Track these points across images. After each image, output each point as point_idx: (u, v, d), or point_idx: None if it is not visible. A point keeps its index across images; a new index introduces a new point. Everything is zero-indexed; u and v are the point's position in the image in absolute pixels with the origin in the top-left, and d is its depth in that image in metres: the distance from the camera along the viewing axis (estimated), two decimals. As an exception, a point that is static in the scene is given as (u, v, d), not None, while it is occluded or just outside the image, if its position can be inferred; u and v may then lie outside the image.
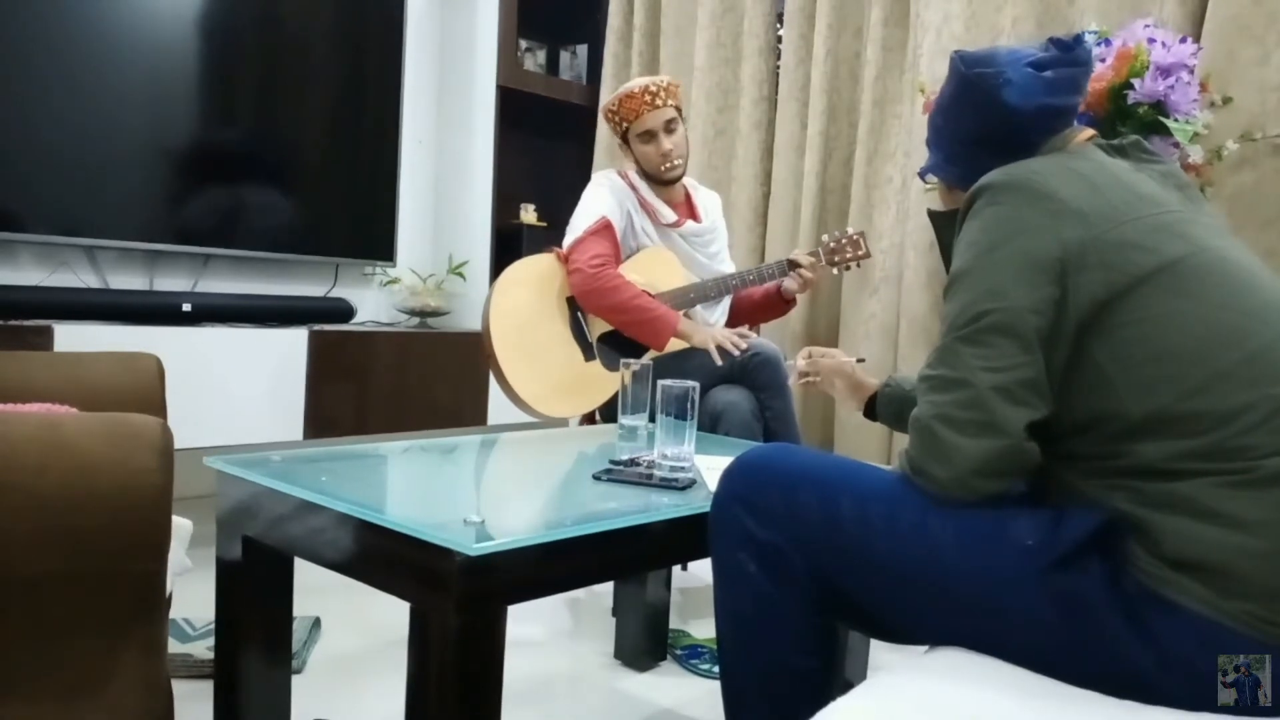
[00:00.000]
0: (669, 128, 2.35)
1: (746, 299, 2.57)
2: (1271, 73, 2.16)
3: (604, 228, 2.34)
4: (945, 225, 1.23)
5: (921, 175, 1.37)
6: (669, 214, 2.42)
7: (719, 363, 2.24)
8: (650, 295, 2.31)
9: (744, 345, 2.25)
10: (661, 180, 2.40)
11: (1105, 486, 0.99)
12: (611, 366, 2.30)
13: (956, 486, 1.02)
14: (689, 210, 2.50)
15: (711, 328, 2.35)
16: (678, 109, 2.38)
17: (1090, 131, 1.18)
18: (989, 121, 1.16)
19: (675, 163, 2.37)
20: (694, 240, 2.46)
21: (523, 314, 2.30)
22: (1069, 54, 1.16)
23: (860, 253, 2.48)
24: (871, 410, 1.53)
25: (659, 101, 2.33)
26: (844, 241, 2.46)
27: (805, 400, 3.00)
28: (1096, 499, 0.99)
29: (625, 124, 2.37)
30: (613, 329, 2.36)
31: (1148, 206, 1.03)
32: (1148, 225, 1.01)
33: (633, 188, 2.42)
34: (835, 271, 2.49)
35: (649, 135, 2.35)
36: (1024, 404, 1.00)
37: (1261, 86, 2.17)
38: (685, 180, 2.50)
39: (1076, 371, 1.00)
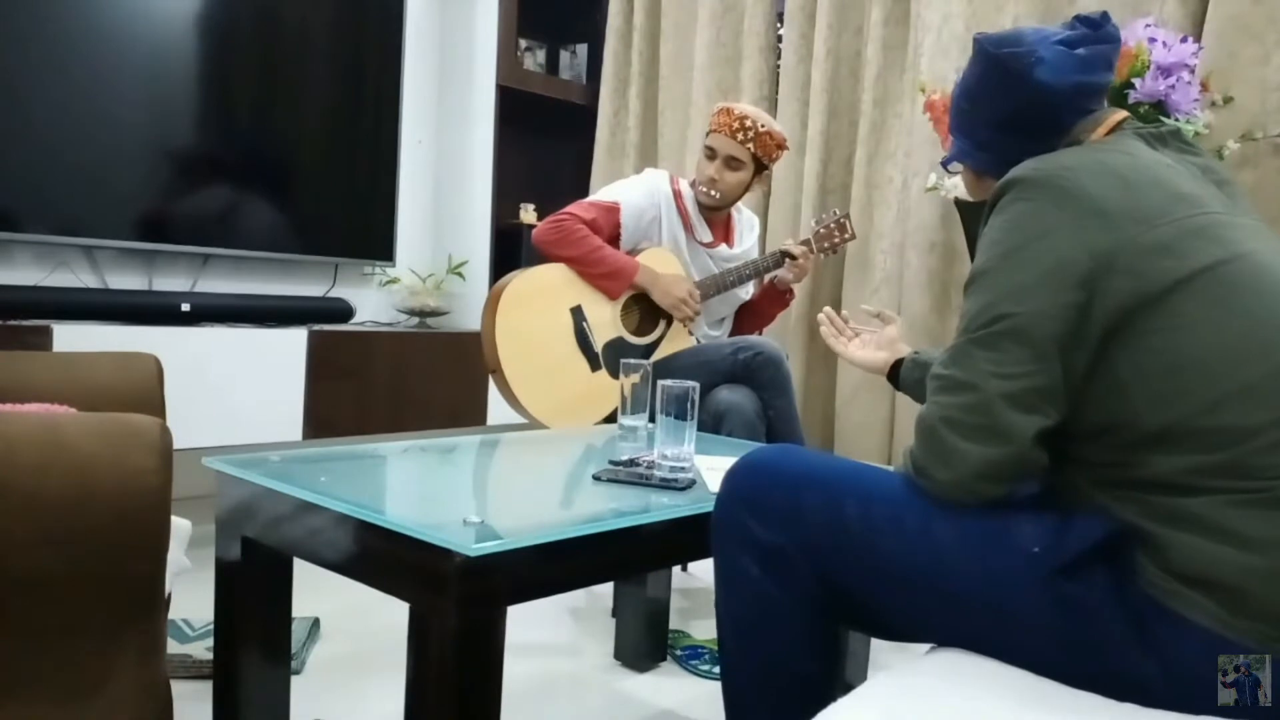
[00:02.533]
0: (730, 163, 2.34)
1: (746, 302, 2.59)
2: (1272, 72, 2.16)
3: (608, 209, 2.36)
4: (972, 215, 1.21)
5: (945, 164, 1.32)
6: (706, 234, 2.44)
7: (678, 318, 2.35)
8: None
9: (692, 312, 2.34)
10: (697, 197, 2.41)
11: (1115, 497, 0.97)
12: (618, 374, 2.30)
13: (958, 490, 1.02)
14: (725, 234, 2.51)
15: (679, 286, 2.35)
16: (757, 159, 2.35)
17: (1123, 114, 1.14)
18: (1020, 102, 1.13)
19: (712, 193, 2.38)
20: (722, 265, 2.47)
21: (527, 332, 2.29)
22: (1098, 31, 1.14)
23: (846, 235, 2.50)
24: (894, 375, 1.53)
25: (740, 138, 2.33)
26: (831, 226, 2.48)
27: (806, 400, 2.99)
28: (1105, 508, 0.98)
29: (708, 129, 2.39)
30: (617, 336, 2.35)
31: (1185, 207, 0.99)
32: (1184, 228, 0.97)
33: (678, 194, 2.42)
34: (824, 257, 2.51)
35: (711, 151, 2.36)
36: (1034, 411, 0.98)
37: (1262, 86, 2.17)
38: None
39: (1095, 376, 0.98)
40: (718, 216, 2.47)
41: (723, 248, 2.47)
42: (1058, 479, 1.05)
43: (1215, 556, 0.90)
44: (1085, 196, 0.99)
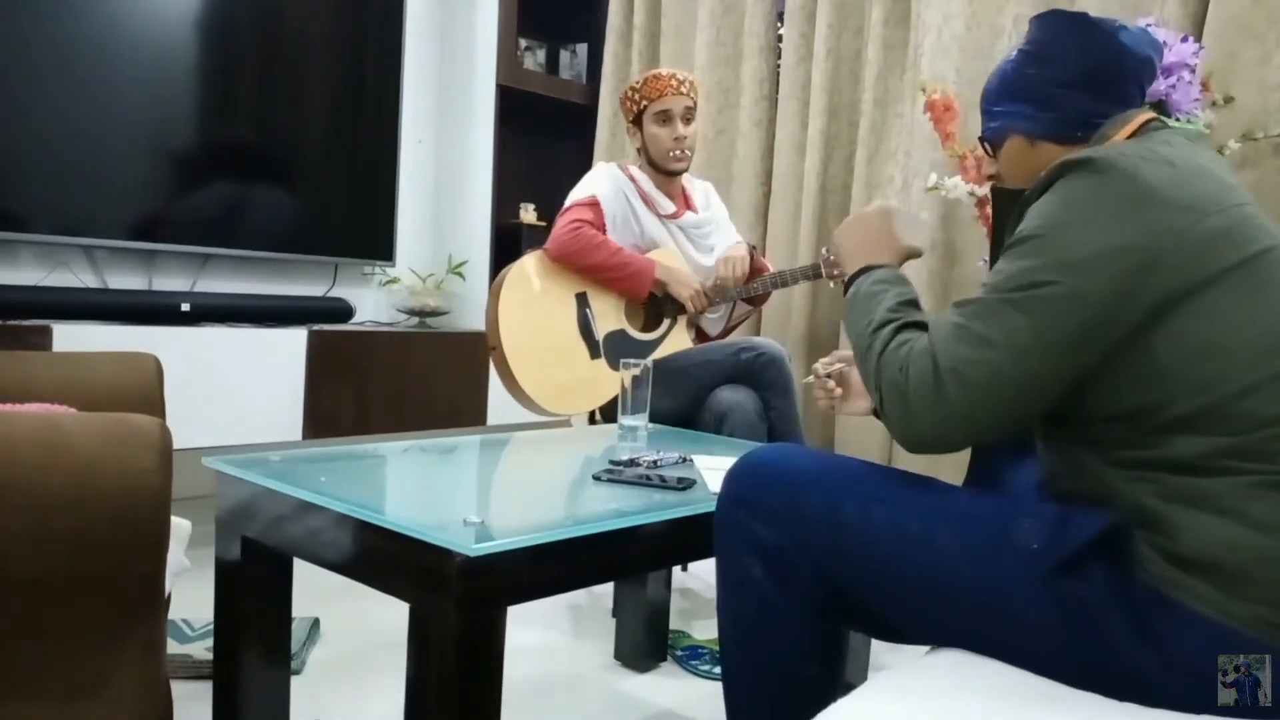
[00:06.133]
0: (687, 116, 2.38)
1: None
2: (1272, 72, 2.16)
3: (591, 204, 2.36)
4: (1007, 205, 1.20)
5: (986, 139, 1.26)
6: (668, 205, 2.44)
7: (691, 310, 2.38)
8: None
9: (705, 306, 2.38)
10: (664, 169, 2.41)
11: (1129, 477, 0.97)
12: (617, 365, 2.31)
13: (930, 436, 1.02)
14: (686, 203, 2.52)
15: (695, 279, 2.39)
16: (695, 105, 2.42)
17: (1150, 113, 1.16)
18: (1101, 58, 1.14)
19: (685, 152, 2.39)
20: (692, 232, 2.48)
21: (530, 310, 2.30)
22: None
23: None
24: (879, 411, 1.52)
25: (684, 89, 2.37)
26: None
27: (808, 400, 2.99)
28: (1116, 488, 0.98)
29: (645, 102, 2.38)
30: (619, 329, 2.36)
31: (1233, 195, 1.00)
32: (1234, 216, 0.98)
33: (632, 179, 2.43)
34: (832, 285, 2.49)
35: (666, 117, 2.37)
36: (1037, 397, 0.99)
37: (1263, 86, 2.17)
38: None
39: (1129, 360, 0.97)
40: (672, 188, 2.47)
41: (688, 215, 2.47)
42: (1066, 461, 1.05)
43: (1224, 537, 0.91)
44: (1144, 183, 0.98)
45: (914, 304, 1.15)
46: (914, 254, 1.28)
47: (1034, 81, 1.18)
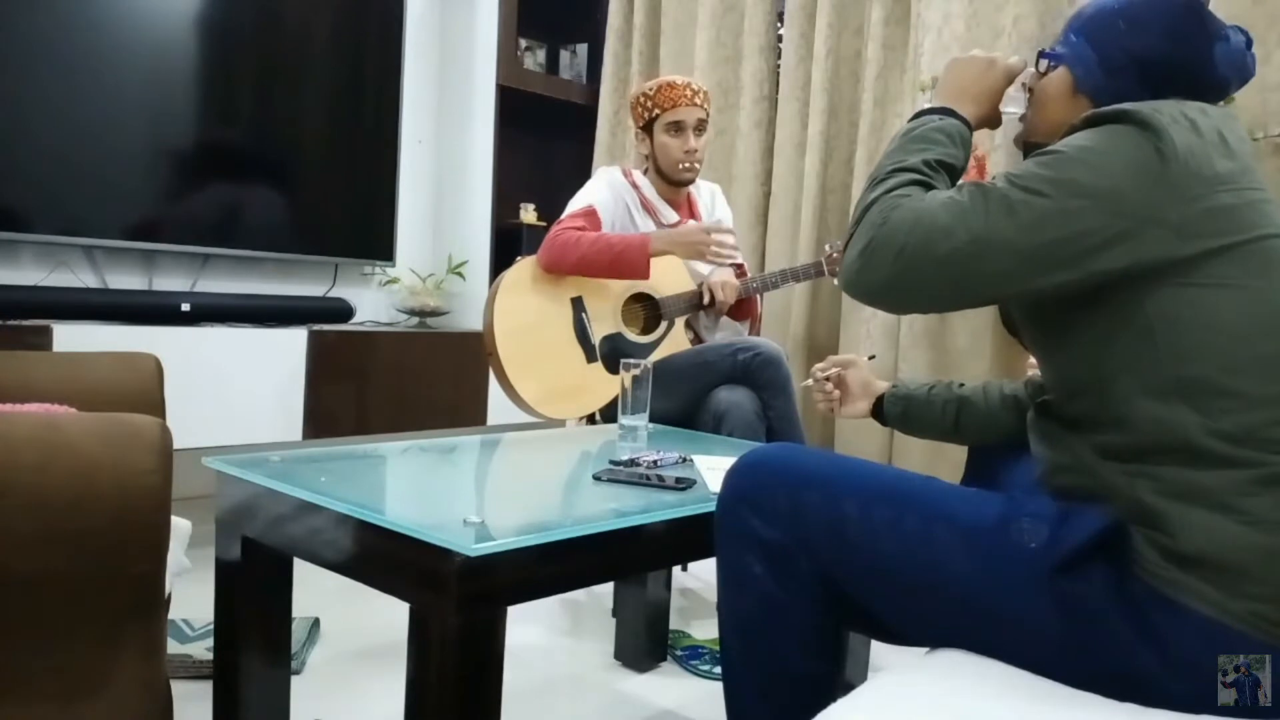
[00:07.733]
0: (699, 127, 2.36)
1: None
2: (1272, 72, 2.16)
3: (588, 214, 2.34)
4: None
5: (1048, 55, 1.21)
6: (671, 214, 2.43)
7: (711, 262, 2.32)
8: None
9: (726, 245, 2.28)
10: (672, 179, 2.40)
11: (1127, 472, 0.97)
12: (613, 368, 2.31)
13: (875, 286, 1.04)
14: (689, 212, 2.50)
15: (694, 233, 2.32)
16: (707, 117, 2.40)
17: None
18: (1182, 57, 1.10)
19: (695, 164, 2.37)
20: None
21: (526, 314, 2.30)
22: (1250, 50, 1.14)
23: None
24: (878, 412, 1.52)
25: (698, 100, 2.36)
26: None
27: (806, 400, 2.99)
28: (1114, 485, 0.98)
29: (657, 110, 2.36)
30: (616, 331, 2.36)
31: (1249, 179, 1.01)
32: (1247, 198, 0.99)
33: (635, 186, 2.41)
34: (835, 282, 2.48)
35: (678, 127, 2.35)
36: (982, 290, 1.02)
37: (1263, 86, 2.17)
38: None
39: (1119, 319, 0.98)
40: (678, 195, 2.45)
41: (691, 224, 2.44)
42: (1062, 456, 1.05)
43: (1223, 534, 0.91)
44: (1169, 144, 0.98)
45: (953, 170, 1.15)
46: (994, 123, 1.28)
47: (1115, 37, 1.13)
